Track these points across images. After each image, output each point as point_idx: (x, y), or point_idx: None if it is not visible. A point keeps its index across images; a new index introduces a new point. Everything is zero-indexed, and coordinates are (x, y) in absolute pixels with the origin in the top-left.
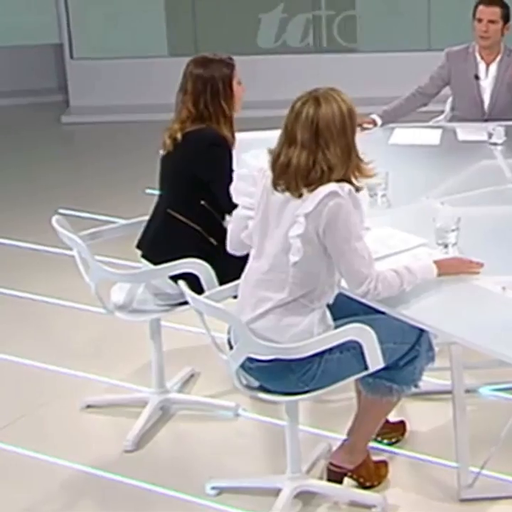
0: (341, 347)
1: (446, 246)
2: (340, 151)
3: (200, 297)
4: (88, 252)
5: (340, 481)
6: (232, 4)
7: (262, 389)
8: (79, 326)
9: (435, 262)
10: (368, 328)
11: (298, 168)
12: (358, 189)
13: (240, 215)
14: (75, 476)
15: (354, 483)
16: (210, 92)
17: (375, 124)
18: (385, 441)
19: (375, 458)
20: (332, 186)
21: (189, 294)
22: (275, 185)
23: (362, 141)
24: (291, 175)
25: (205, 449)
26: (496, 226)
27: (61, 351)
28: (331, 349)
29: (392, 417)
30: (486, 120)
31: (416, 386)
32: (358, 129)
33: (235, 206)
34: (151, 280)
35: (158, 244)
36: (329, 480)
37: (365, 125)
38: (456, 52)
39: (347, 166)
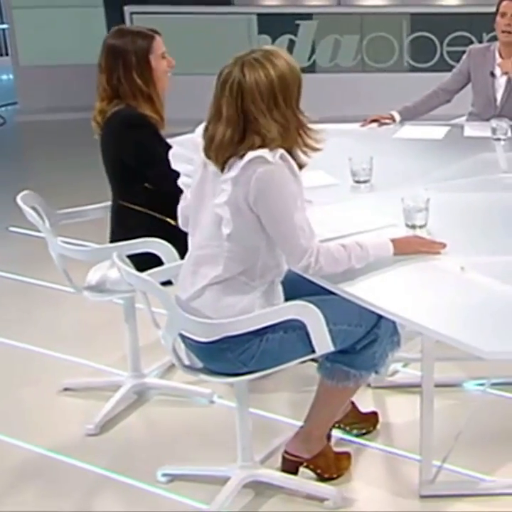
0: (286, 326)
1: (413, 227)
2: (274, 123)
3: (130, 270)
4: (46, 228)
5: (295, 471)
6: None
7: (207, 370)
8: (79, 312)
9: (392, 240)
10: (311, 306)
11: (221, 145)
12: (301, 166)
13: (183, 184)
14: (29, 458)
15: (312, 473)
16: (122, 65)
17: (393, 120)
18: (354, 431)
19: (339, 449)
20: (260, 151)
21: (121, 267)
22: (206, 155)
23: (366, 134)
24: (214, 149)
25: (172, 435)
26: (476, 211)
27: (56, 336)
28: (273, 328)
29: (367, 407)
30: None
31: (377, 372)
32: (376, 124)
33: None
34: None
35: (117, 236)
36: (283, 470)
37: (384, 121)
38: (478, 49)
39: (285, 139)
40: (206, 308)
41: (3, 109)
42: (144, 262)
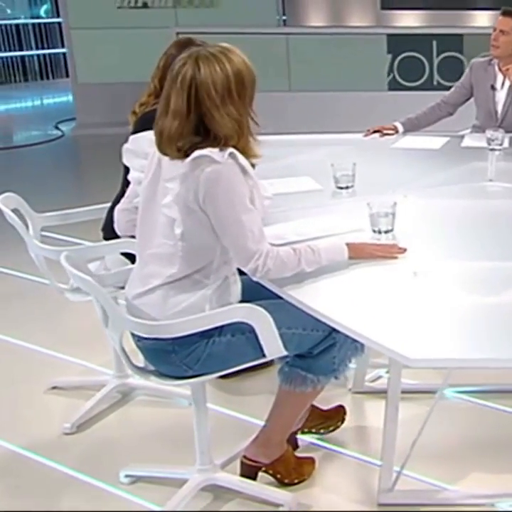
0: (234, 330)
1: (379, 232)
2: (228, 119)
3: (73, 270)
4: (24, 229)
5: (253, 476)
6: None
7: (157, 372)
8: (80, 311)
9: (348, 244)
10: (259, 309)
11: (169, 137)
12: (256, 156)
13: (134, 179)
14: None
15: (271, 478)
16: None
17: (396, 130)
18: (322, 431)
19: (307, 454)
20: (207, 150)
21: (65, 267)
22: (160, 151)
23: (366, 144)
24: (165, 143)
25: (146, 435)
26: (450, 217)
27: (55, 334)
28: (221, 331)
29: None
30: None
31: (336, 377)
32: (378, 135)
33: None
34: (90, 257)
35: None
36: (242, 474)
37: (386, 131)
38: (480, 63)
39: (241, 135)
40: (154, 306)
41: (62, 124)
42: None
